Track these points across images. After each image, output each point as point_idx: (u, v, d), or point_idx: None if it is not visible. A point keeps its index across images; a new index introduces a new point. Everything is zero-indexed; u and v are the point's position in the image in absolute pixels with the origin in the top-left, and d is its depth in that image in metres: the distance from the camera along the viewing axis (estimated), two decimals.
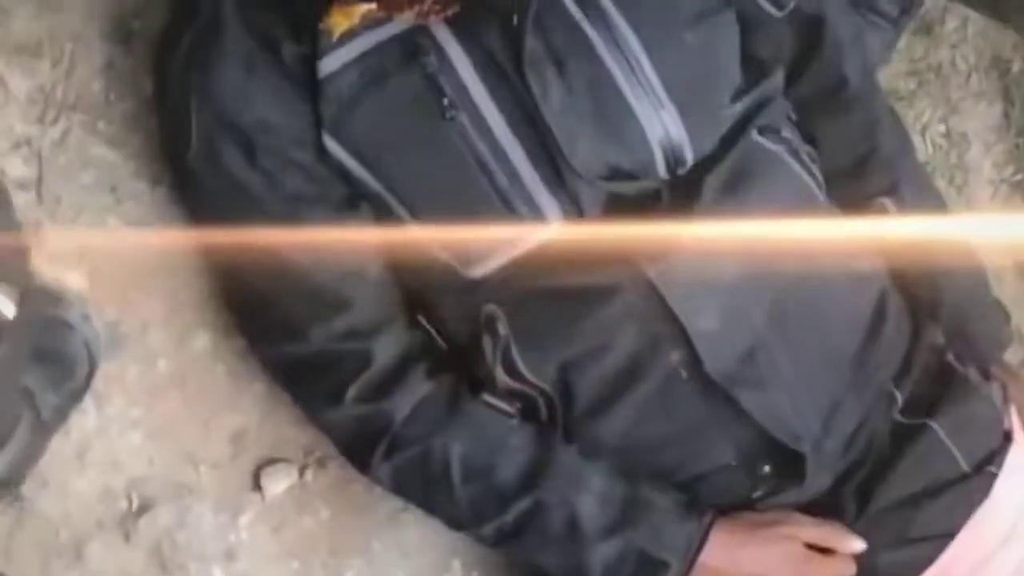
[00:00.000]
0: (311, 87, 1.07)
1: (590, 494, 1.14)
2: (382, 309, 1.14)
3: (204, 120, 1.10)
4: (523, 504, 1.13)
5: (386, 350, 1.14)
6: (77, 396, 1.21)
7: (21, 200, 1.25)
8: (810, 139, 1.22)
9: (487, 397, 1.14)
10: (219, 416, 1.28)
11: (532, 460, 1.13)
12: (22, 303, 1.20)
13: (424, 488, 1.16)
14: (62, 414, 1.20)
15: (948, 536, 1.17)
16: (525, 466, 1.13)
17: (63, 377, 1.19)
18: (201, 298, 1.29)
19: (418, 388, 1.14)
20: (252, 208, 1.11)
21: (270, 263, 1.12)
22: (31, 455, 1.17)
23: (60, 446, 1.21)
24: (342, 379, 1.13)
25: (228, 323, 1.28)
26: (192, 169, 1.15)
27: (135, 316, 1.27)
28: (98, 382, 1.22)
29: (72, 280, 1.25)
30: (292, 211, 1.11)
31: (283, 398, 1.26)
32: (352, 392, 1.13)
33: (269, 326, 1.18)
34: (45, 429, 1.18)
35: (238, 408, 1.28)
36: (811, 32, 1.19)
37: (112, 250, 1.27)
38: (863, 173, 1.25)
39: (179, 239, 1.28)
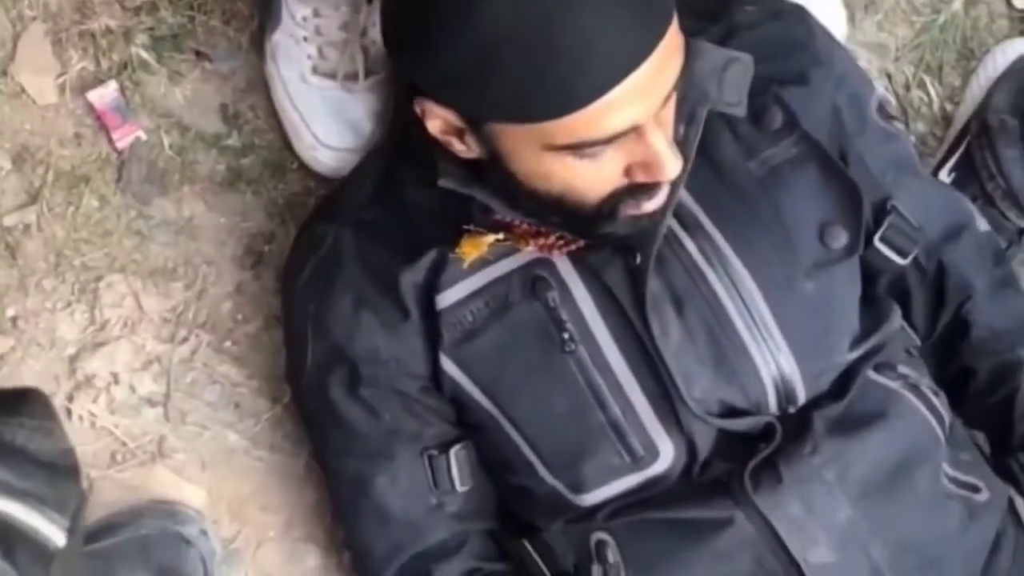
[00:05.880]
0: (427, 317, 1.11)
1: None
2: (454, 540, 1.16)
3: (318, 348, 1.15)
4: None
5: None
6: None
7: (149, 416, 1.30)
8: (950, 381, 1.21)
9: None
10: None
11: None
12: (143, 517, 1.24)
13: None
14: None
15: None
16: None
17: None
18: (313, 515, 1.31)
19: None
20: (349, 439, 1.15)
21: (358, 494, 1.16)
22: None
23: None
24: None
25: (338, 540, 1.29)
26: (304, 392, 1.20)
27: (250, 532, 1.30)
28: None
29: (192, 495, 1.29)
30: (387, 446, 1.14)
31: None
32: None
33: (355, 553, 1.22)
34: None
35: None
36: (935, 279, 1.19)
37: (231, 466, 1.31)
38: (1009, 420, 1.20)
39: (294, 457, 1.31)
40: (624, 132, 0.93)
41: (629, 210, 1.00)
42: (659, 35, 0.91)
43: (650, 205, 1.00)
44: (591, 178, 0.97)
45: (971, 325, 1.19)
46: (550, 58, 0.88)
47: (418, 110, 0.99)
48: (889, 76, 1.42)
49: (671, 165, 0.96)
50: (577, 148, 0.94)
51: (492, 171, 1.00)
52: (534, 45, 0.88)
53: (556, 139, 0.93)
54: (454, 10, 0.90)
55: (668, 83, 0.93)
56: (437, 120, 0.98)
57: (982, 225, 1.23)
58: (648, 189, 0.99)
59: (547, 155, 0.95)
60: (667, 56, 0.92)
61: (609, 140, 0.93)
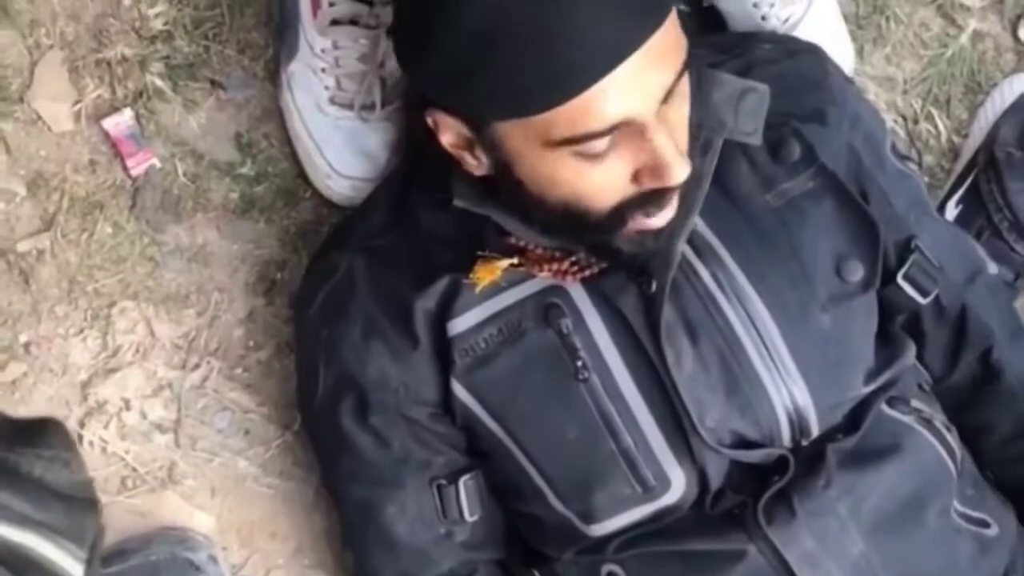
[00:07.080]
0: (438, 343, 1.11)
1: None
2: (462, 569, 1.16)
3: (330, 375, 1.16)
4: None
5: None
6: None
7: (159, 442, 1.31)
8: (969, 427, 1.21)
9: None
10: None
11: None
12: (153, 543, 1.24)
13: None
14: None
15: None
16: None
17: None
18: (322, 542, 1.32)
19: None
20: (359, 466, 1.16)
21: (367, 521, 1.17)
22: None
23: None
24: None
25: (346, 567, 1.29)
26: (315, 419, 1.20)
27: (259, 559, 1.30)
28: None
29: (201, 521, 1.29)
30: (396, 475, 1.15)
31: None
32: None
33: None
34: None
35: None
36: (957, 321, 1.20)
37: (241, 493, 1.31)
38: None
39: (303, 484, 1.32)
40: (621, 124, 0.93)
41: (637, 224, 1.00)
42: (652, 26, 0.92)
43: (658, 220, 1.00)
44: (598, 182, 0.97)
45: (1002, 372, 1.20)
46: (541, 46, 0.89)
47: (430, 122, 1.00)
48: (897, 109, 1.43)
49: (678, 167, 0.95)
50: (576, 142, 0.94)
51: (503, 184, 1.01)
52: (524, 33, 0.89)
53: (554, 133, 0.93)
54: (446, 1, 0.91)
55: (666, 77, 0.93)
56: (448, 132, 1.00)
57: (992, 268, 1.23)
58: (657, 198, 0.99)
59: (550, 154, 0.95)
60: (664, 49, 0.92)
61: (607, 132, 0.93)
